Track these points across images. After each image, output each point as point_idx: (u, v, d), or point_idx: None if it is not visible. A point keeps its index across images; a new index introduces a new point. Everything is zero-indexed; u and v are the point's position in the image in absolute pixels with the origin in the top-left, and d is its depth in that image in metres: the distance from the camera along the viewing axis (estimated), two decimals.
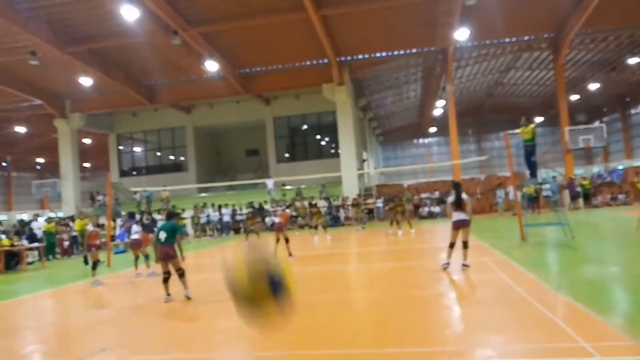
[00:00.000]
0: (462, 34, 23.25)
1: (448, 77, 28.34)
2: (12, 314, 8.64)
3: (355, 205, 23.62)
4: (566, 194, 25.97)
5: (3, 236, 16.11)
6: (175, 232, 8.04)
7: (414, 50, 27.67)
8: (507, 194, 23.71)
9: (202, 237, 25.04)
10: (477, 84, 39.37)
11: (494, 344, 4.68)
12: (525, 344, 4.54)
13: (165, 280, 7.91)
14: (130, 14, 18.35)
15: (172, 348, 5.41)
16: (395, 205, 18.31)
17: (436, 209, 26.52)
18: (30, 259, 16.58)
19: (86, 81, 25.54)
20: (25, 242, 16.83)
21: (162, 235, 7.92)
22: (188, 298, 7.84)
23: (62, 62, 23.65)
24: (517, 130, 13.32)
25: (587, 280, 7.57)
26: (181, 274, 7.95)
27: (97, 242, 11.08)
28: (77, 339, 6.29)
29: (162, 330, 6.44)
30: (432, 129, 52.00)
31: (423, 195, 28.25)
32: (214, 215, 25.89)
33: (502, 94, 43.86)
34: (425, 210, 26.86)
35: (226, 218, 25.96)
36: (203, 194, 32.22)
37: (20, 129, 34.72)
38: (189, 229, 24.79)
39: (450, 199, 8.96)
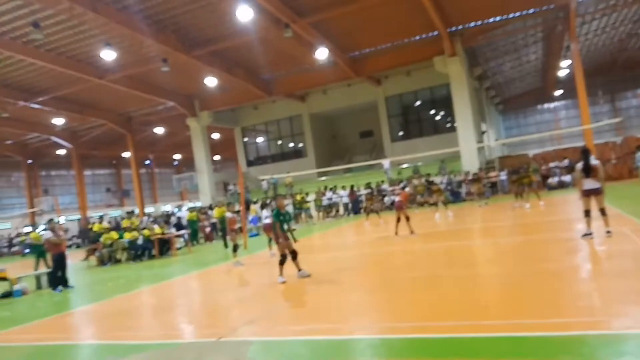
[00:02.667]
0: None
1: (572, 34, 26.12)
2: (169, 293, 9.98)
3: (477, 179, 22.96)
4: None
5: (156, 225, 18.31)
6: (286, 220, 8.97)
7: (531, 11, 25.85)
8: None
9: (325, 218, 26.08)
10: (606, 38, 35.63)
11: (632, 314, 4.56)
12: None
13: (282, 263, 8.63)
14: (244, 14, 19.52)
15: (310, 319, 5.99)
16: (521, 177, 17.53)
17: (566, 178, 24.81)
18: (178, 245, 18.64)
19: (211, 81, 27.63)
20: (173, 230, 18.99)
21: (284, 225, 8.86)
22: (305, 277, 8.52)
23: (189, 66, 25.85)
24: None
25: None
26: (294, 256, 8.69)
27: (236, 226, 12.28)
28: (227, 312, 7.16)
29: (299, 304, 7.10)
30: (558, 93, 48.19)
31: (551, 165, 26.53)
32: (335, 197, 26.78)
33: (637, 46, 39.23)
34: (554, 180, 25.27)
35: (345, 199, 26.74)
36: (323, 178, 33.39)
37: (159, 130, 38.61)
38: (313, 212, 25.96)
39: (579, 166, 8.59)
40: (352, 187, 26.91)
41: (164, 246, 17.51)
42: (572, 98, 41.23)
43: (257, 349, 5.02)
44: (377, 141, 36.94)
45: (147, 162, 54.05)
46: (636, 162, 22.70)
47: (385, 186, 27.00)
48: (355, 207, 26.46)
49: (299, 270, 8.75)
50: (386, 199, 25.26)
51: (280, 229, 8.73)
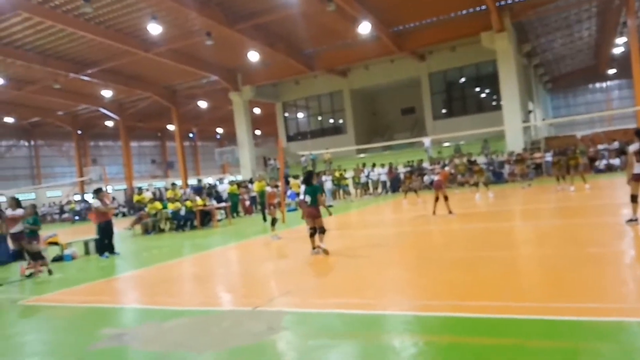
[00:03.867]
0: None
1: (630, 9, 24.75)
2: (209, 263, 10.31)
3: (520, 160, 22.35)
4: None
5: (198, 198, 18.80)
6: (316, 194, 9.01)
7: None
8: None
9: (363, 195, 26.09)
10: None
11: None
12: None
13: (312, 235, 8.86)
14: None
15: (345, 293, 6.09)
16: (567, 159, 16.96)
17: (615, 162, 23.86)
18: (218, 217, 19.11)
19: (253, 55, 27.76)
20: (214, 202, 19.46)
21: (307, 199, 8.95)
22: (325, 252, 8.61)
23: (232, 40, 26.02)
24: None
25: None
26: (322, 231, 8.80)
27: (275, 201, 12.49)
28: (264, 283, 7.36)
29: (334, 278, 7.20)
30: (611, 71, 45.97)
31: (600, 147, 25.53)
32: (374, 175, 26.69)
33: None
34: (602, 163, 24.34)
35: (383, 177, 26.60)
36: (362, 155, 33.29)
37: (202, 103, 39.29)
38: (351, 189, 26.00)
39: (634, 147, 8.18)
40: (390, 164, 26.73)
41: (206, 217, 18.00)
42: (627, 77, 39.22)
43: (291, 319, 5.16)
44: (419, 118, 36.43)
45: (191, 135, 55.24)
46: None
47: (425, 165, 26.68)
48: (394, 185, 26.32)
49: (318, 246, 8.78)
50: (426, 177, 24.99)
51: (309, 203, 8.88)
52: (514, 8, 25.83)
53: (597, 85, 51.18)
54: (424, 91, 34.27)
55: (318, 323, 5.01)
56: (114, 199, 26.95)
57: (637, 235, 7.63)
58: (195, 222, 17.56)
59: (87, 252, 13.25)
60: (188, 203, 17.74)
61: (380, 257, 8.23)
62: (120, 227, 19.55)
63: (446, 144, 30.83)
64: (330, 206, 20.66)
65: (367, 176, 26.70)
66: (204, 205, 18.13)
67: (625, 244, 7.39)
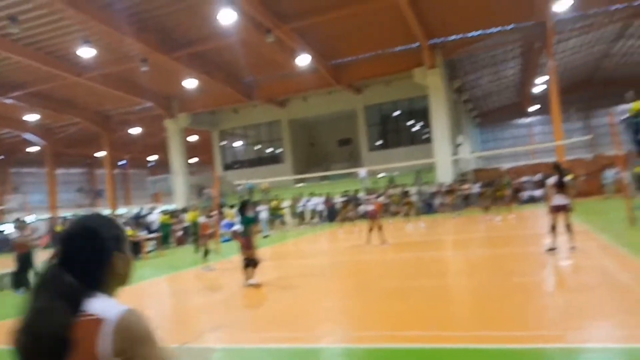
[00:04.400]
0: (562, 5, 21.82)
1: (549, 52, 26.75)
2: (138, 296, 9.80)
3: (450, 191, 23.22)
4: None
5: (127, 227, 18.00)
6: (249, 224, 8.87)
7: (510, 26, 26.40)
8: (616, 174, 22.04)
9: (300, 225, 26.04)
10: (581, 56, 36.61)
11: (591, 329, 4.67)
12: (625, 329, 4.48)
13: (246, 267, 8.69)
14: (227, 17, 19.45)
15: (277, 326, 5.95)
16: (494, 190, 17.80)
17: (537, 193, 25.30)
18: (149, 248, 18.36)
19: (190, 83, 27.41)
20: (143, 233, 18.71)
21: (240, 229, 8.91)
22: (256, 286, 8.45)
23: (169, 67, 25.62)
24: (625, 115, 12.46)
25: None
26: (254, 263, 8.67)
27: (208, 231, 12.17)
28: (194, 318, 7.08)
29: (267, 311, 7.04)
30: (533, 108, 49.20)
31: (524, 179, 27.03)
32: (311, 204, 26.75)
33: (611, 66, 40.40)
34: (526, 194, 25.73)
35: (320, 207, 26.73)
36: (299, 184, 33.37)
37: (135, 130, 38.10)
38: (288, 218, 25.87)
39: (552, 180, 8.64)
40: (327, 194, 26.95)
41: (135, 249, 17.23)
42: (547, 114, 42.10)
43: (221, 356, 4.97)
44: (355, 149, 37.14)
45: (122, 162, 53.23)
46: (603, 179, 23.31)
47: (361, 195, 27.09)
48: (330, 214, 26.48)
49: (251, 278, 8.65)
50: (361, 207, 25.33)
51: (242, 234, 8.79)
52: (445, 46, 27.23)
53: (521, 120, 54.49)
54: (360, 123, 35.10)
55: (248, 359, 4.85)
56: (35, 229, 25.27)
57: (556, 265, 8.04)
58: None
59: (0, 288, 12.26)
60: None
61: (315, 287, 8.17)
62: (44, 259, 18.30)
63: (381, 175, 31.55)
64: (267, 236, 20.44)
65: (304, 206, 26.71)
66: (133, 235, 17.38)
67: (544, 272, 7.76)
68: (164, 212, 21.67)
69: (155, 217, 22.65)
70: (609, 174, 22.85)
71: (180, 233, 21.27)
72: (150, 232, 19.76)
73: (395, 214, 23.82)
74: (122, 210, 38.16)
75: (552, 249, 8.46)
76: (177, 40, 23.72)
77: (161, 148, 40.44)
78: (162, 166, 51.43)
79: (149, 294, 9.98)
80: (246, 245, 8.77)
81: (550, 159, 30.83)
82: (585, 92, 46.82)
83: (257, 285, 8.50)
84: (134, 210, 35.70)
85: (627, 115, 12.21)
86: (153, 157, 54.67)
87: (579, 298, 5.98)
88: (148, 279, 11.96)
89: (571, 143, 35.31)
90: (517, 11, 24.09)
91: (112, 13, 20.09)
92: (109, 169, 36.22)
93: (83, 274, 1.38)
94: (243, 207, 9.17)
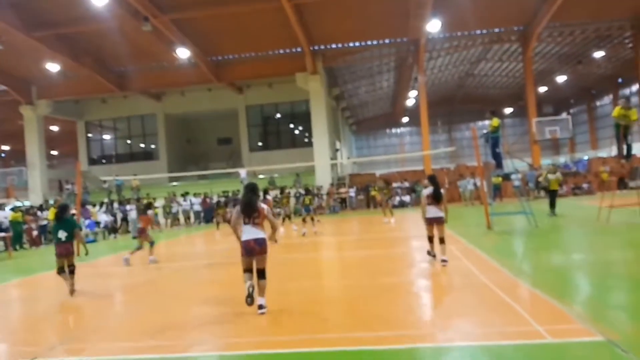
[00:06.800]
0: (434, 26, 23.55)
1: (420, 67, 28.67)
2: None
3: (328, 194, 23.75)
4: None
5: None
6: (73, 228, 8.19)
7: (387, 41, 27.89)
8: (474, 184, 24.24)
9: (174, 226, 24.87)
10: (448, 74, 39.92)
11: (454, 327, 4.90)
12: (485, 327, 4.77)
13: (60, 273, 8.06)
14: None
15: (142, 335, 5.45)
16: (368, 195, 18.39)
17: (406, 198, 26.91)
18: None
19: (53, 67, 24.91)
20: None
21: (62, 234, 8.01)
22: (72, 292, 7.91)
23: (28, 47, 23.02)
24: (485, 129, 13.75)
25: (547, 267, 7.90)
26: (72, 270, 8.08)
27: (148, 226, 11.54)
28: (46, 327, 6.27)
29: (132, 318, 6.46)
30: (405, 119, 52.56)
31: (394, 185, 28.59)
32: (185, 205, 25.68)
33: (473, 85, 44.60)
34: (396, 199, 27.22)
35: (196, 207, 25.79)
36: (174, 183, 31.93)
37: None
38: (161, 219, 24.56)
39: (427, 191, 8.37)
40: (205, 194, 26.08)
41: None
42: (416, 126, 45.22)
43: None
44: (236, 149, 36.54)
45: None
46: (460, 188, 25.49)
47: (239, 195, 26.61)
48: (207, 215, 25.64)
49: (70, 286, 7.98)
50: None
51: (64, 239, 8.00)
52: (326, 54, 27.93)
53: (394, 130, 57.92)
54: (241, 123, 34.60)
55: None
56: None
57: (418, 267, 8.45)
58: None
59: None
60: None
61: (184, 293, 7.70)
62: None
63: (261, 176, 31.37)
64: (136, 237, 19.13)
65: (179, 205, 25.54)
66: None
67: (411, 274, 8.12)
68: (16, 209, 19.23)
69: (6, 214, 20.08)
70: (465, 183, 25.02)
71: (35, 232, 19.09)
72: None
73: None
74: None
75: (431, 253, 8.51)
76: (39, 19, 21.43)
77: (16, 137, 36.17)
78: (18, 157, 46.05)
79: None
80: (69, 252, 8.06)
81: (419, 168, 33.05)
82: (450, 107, 51.17)
83: (71, 292, 7.86)
84: None
85: (487, 130, 13.43)
86: (6, 147, 48.89)
87: (443, 298, 6.34)
88: None
89: (437, 153, 38.18)
90: (393, 27, 25.51)
91: None
92: None
93: None
94: (63, 211, 8.38)
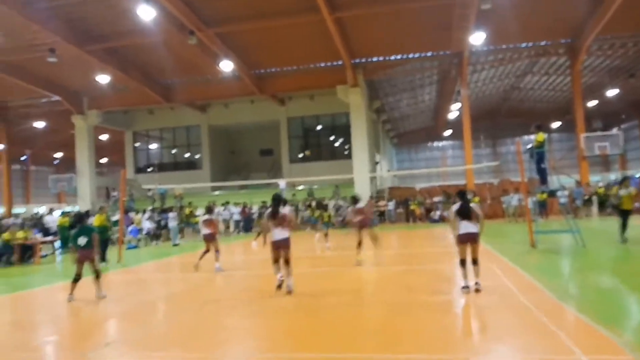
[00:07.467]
0: (477, 38, 23.12)
1: (463, 81, 28.20)
2: (24, 306, 8.83)
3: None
4: (594, 200, 25.41)
5: (19, 229, 16.43)
6: (91, 235, 8.34)
7: (429, 54, 27.61)
8: (519, 199, 23.48)
9: None
10: (492, 88, 39.08)
11: (491, 352, 4.69)
12: (524, 353, 4.54)
13: (75, 281, 8.28)
14: (146, 14, 18.59)
15: (177, 345, 5.49)
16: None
17: (447, 213, 26.37)
18: (44, 253, 16.86)
19: (103, 79, 25.89)
20: (38, 236, 17.15)
21: (82, 241, 8.20)
22: (100, 298, 8.21)
23: (80, 60, 24.03)
24: (530, 144, 13.23)
25: (593, 290, 7.49)
26: (97, 275, 8.31)
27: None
28: (84, 332, 6.41)
29: (166, 327, 6.53)
30: (447, 132, 51.74)
31: (435, 199, 28.11)
32: (227, 213, 26.04)
33: (518, 99, 43.49)
34: (437, 214, 26.73)
35: (236, 217, 26.10)
36: (216, 192, 32.48)
37: (39, 124, 35.28)
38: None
39: (456, 207, 7.55)
40: (244, 204, 26.38)
41: (27, 253, 15.73)
42: (459, 139, 44.40)
43: None
44: (276, 160, 36.89)
45: (23, 158, 49.24)
46: (504, 204, 24.72)
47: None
48: (247, 224, 25.92)
49: (99, 291, 8.33)
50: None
51: (83, 245, 8.24)
52: (367, 67, 27.88)
53: (435, 144, 57.12)
54: (282, 134, 34.94)
55: None
56: None
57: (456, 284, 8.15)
58: (13, 258, 15.22)
59: None
60: (5, 235, 15.35)
61: (219, 303, 7.73)
62: None
63: (300, 187, 31.50)
64: (177, 245, 19.54)
65: (219, 214, 25.88)
66: (25, 238, 15.88)
67: (448, 292, 7.83)
68: (64, 214, 20.00)
69: (55, 219, 20.94)
70: (509, 199, 24.26)
71: None
72: (46, 234, 18.16)
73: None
74: (19, 210, 35.12)
75: (465, 287, 7.35)
76: (90, 33, 22.38)
77: (68, 145, 37.78)
78: (68, 165, 48.08)
79: (36, 304, 9.00)
80: (89, 258, 8.30)
81: (461, 182, 32.36)
82: (494, 121, 50.05)
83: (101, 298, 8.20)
84: (36, 210, 33.03)
85: (532, 145, 12.99)
86: (58, 155, 51.11)
87: (480, 320, 6.11)
88: (35, 287, 10.87)
89: (480, 168, 37.34)
90: (436, 40, 25.22)
91: None
92: (6, 163, 33.17)
93: None
94: (82, 218, 8.75)
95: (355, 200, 11.90)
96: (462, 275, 7.41)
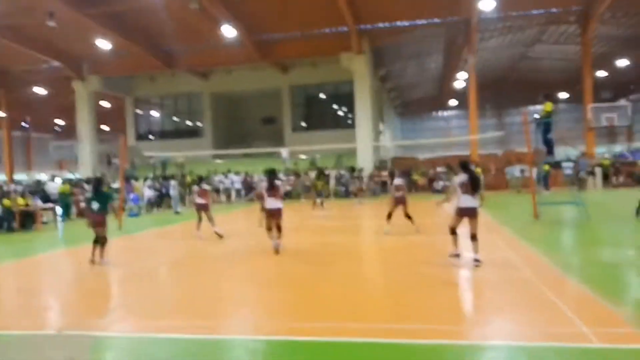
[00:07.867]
0: (487, 4, 22.48)
1: (471, 48, 27.61)
2: (16, 273, 8.81)
3: (369, 177, 23.24)
4: (598, 172, 25.12)
5: (20, 195, 16.39)
6: (107, 201, 8.71)
7: (436, 20, 26.92)
8: (522, 171, 23.27)
9: (215, 202, 25.18)
10: (500, 56, 38.29)
11: (493, 324, 4.62)
12: (525, 326, 4.45)
13: (96, 244, 8.42)
14: None
15: (180, 313, 5.43)
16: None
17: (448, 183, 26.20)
18: (45, 219, 16.87)
19: (104, 44, 25.44)
20: (39, 202, 17.11)
21: (95, 205, 8.49)
22: (92, 261, 8.34)
23: (80, 25, 23.56)
24: (536, 115, 12.94)
25: (597, 263, 7.38)
26: (103, 242, 8.42)
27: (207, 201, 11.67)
28: (82, 300, 6.38)
29: (169, 295, 6.48)
30: (453, 102, 51.08)
31: (439, 169, 27.87)
32: (227, 182, 25.97)
33: (526, 68, 42.69)
34: (440, 184, 26.54)
35: (237, 185, 26.05)
36: (218, 161, 32.36)
37: (40, 90, 34.92)
38: None
39: (461, 179, 7.16)
40: (246, 173, 26.28)
41: (28, 219, 15.72)
42: (464, 109, 43.86)
43: (102, 345, 4.39)
44: (279, 129, 36.60)
45: (24, 124, 48.99)
46: (508, 175, 24.49)
47: (281, 175, 26.67)
48: (248, 193, 25.86)
49: (101, 257, 8.44)
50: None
51: (97, 210, 8.51)
52: (373, 33, 27.26)
53: (441, 113, 56.48)
54: (284, 103, 34.57)
55: (135, 350, 4.31)
56: None
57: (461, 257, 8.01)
58: (14, 224, 15.21)
59: None
60: (6, 202, 15.30)
61: (218, 272, 7.69)
62: None
63: (303, 156, 31.32)
64: (178, 213, 19.52)
65: (221, 182, 25.86)
66: (26, 205, 15.85)
67: (448, 264, 7.69)
68: (65, 181, 19.93)
69: (56, 186, 20.88)
70: (513, 170, 24.04)
71: (83, 204, 19.73)
72: (47, 201, 18.12)
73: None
74: (20, 177, 35.15)
75: (455, 255, 7.38)
76: None
77: (69, 112, 37.49)
78: (70, 132, 47.81)
79: (31, 272, 8.97)
80: (98, 222, 8.45)
81: (466, 152, 32.05)
82: (500, 90, 49.21)
83: (92, 262, 8.34)
84: (37, 177, 33.04)
85: (539, 115, 12.71)
86: (60, 121, 50.83)
87: (482, 292, 6.03)
88: (35, 254, 10.86)
89: (484, 138, 36.98)
90: (444, 6, 24.55)
91: None
92: (7, 130, 33.02)
93: None
94: (98, 184, 9.07)
95: (393, 175, 12.57)
96: (453, 242, 7.41)
